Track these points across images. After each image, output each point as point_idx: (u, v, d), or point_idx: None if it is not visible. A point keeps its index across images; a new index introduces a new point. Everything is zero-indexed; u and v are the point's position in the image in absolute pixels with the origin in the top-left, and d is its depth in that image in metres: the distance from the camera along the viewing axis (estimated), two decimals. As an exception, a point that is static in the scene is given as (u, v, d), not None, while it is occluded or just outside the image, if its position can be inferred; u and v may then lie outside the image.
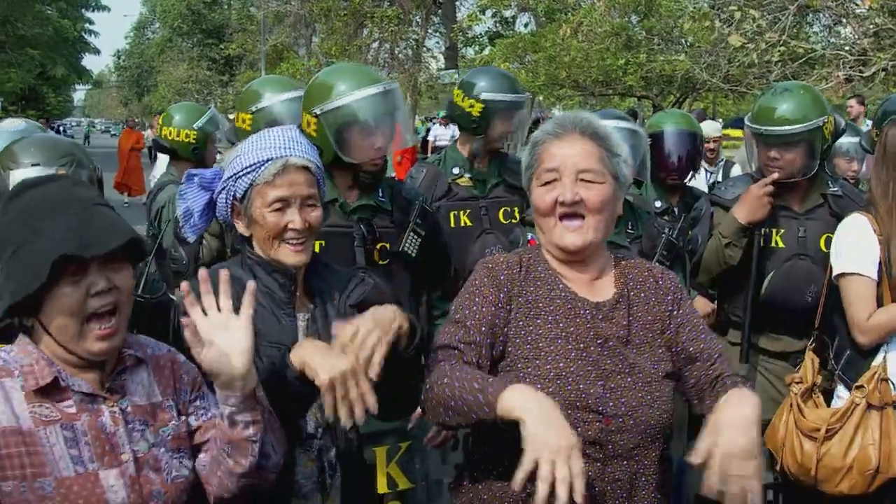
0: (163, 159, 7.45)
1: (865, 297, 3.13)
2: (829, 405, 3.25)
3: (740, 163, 6.68)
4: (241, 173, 2.23)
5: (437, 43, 29.19)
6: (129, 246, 1.80)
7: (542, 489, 1.71)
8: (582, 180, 2.10)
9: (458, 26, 24.98)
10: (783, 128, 3.55)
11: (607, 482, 2.05)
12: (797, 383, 3.26)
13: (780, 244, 3.65)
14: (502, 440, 2.09)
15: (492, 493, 2.12)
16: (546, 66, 18.83)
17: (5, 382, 1.77)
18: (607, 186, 2.12)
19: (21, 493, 1.71)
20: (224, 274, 1.95)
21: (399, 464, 3.18)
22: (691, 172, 4.66)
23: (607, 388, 2.05)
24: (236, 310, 1.90)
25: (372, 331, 1.99)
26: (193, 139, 4.79)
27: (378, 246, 3.19)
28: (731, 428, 1.89)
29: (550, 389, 2.02)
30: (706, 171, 7.20)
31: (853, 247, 3.18)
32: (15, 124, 3.20)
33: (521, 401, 1.82)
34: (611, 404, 2.04)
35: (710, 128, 7.81)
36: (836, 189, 3.70)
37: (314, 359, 1.97)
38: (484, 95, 3.91)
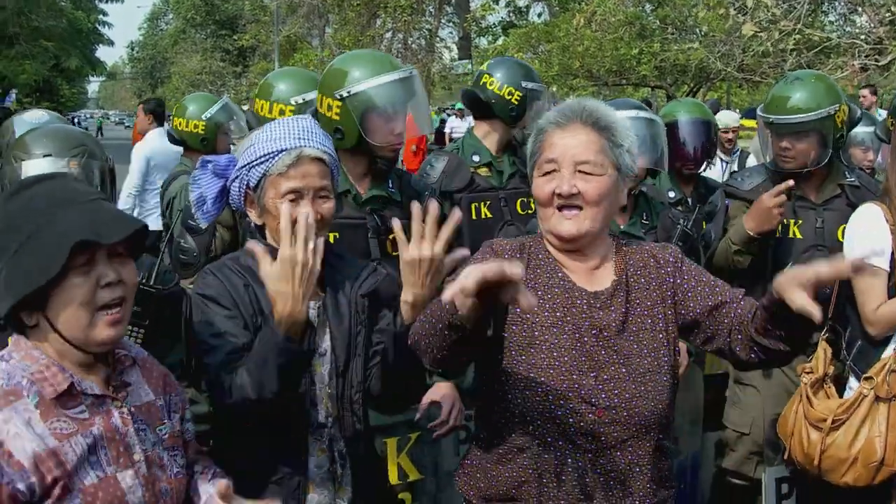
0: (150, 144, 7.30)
1: (876, 287, 3.10)
2: (841, 395, 3.23)
3: (754, 153, 6.65)
4: (254, 163, 2.23)
5: (451, 33, 29.20)
6: (135, 237, 1.79)
7: None
8: (580, 172, 2.09)
9: (471, 16, 24.95)
10: (794, 117, 3.52)
11: (600, 473, 2.05)
12: (808, 373, 3.24)
13: (798, 235, 3.62)
14: (499, 427, 2.11)
15: (488, 479, 2.15)
16: (559, 55, 18.79)
17: (18, 406, 1.70)
18: (606, 178, 2.10)
19: None
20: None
21: (410, 455, 3.19)
22: (706, 162, 4.63)
23: (600, 379, 2.05)
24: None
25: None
26: (202, 130, 4.79)
27: (391, 237, 3.19)
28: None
29: (543, 379, 2.03)
30: (722, 160, 7.16)
31: (865, 236, 3.15)
32: (37, 116, 3.17)
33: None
34: (603, 396, 2.04)
35: (727, 117, 7.77)
36: (853, 179, 3.66)
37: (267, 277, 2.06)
38: (524, 84, 3.92)
